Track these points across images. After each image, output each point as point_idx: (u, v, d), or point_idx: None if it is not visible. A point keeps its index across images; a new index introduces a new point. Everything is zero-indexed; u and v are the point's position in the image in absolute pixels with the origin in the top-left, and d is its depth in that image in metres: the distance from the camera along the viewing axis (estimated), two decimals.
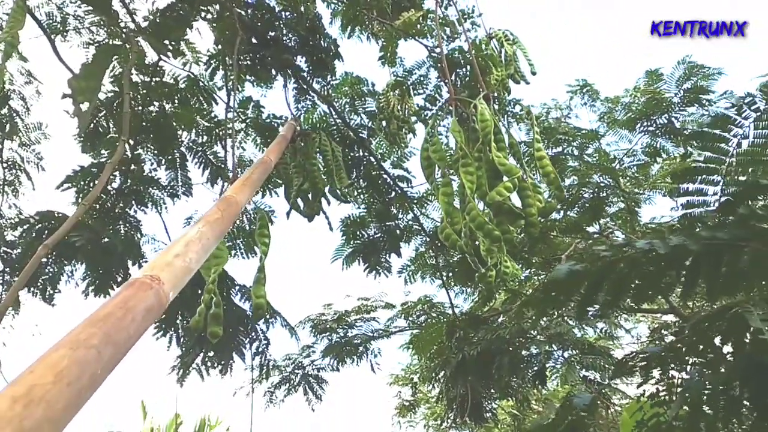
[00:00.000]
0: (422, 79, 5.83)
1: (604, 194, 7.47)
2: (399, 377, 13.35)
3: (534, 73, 5.74)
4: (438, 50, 5.56)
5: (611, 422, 7.44)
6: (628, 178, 7.91)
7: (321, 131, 4.68)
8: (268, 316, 5.73)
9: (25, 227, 5.59)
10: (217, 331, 2.87)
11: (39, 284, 5.68)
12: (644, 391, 3.40)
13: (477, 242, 3.38)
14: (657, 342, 10.96)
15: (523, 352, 6.96)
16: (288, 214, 4.04)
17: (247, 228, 5.96)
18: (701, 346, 3.25)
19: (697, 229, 2.79)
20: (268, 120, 6.22)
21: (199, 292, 5.37)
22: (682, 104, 7.41)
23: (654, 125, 7.72)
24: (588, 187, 7.35)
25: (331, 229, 4.68)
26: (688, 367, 3.29)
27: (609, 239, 8.21)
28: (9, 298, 3.49)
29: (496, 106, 5.18)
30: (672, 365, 3.34)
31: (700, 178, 3.74)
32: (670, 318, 9.57)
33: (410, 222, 7.00)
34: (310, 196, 4.20)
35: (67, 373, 0.97)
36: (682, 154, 7.25)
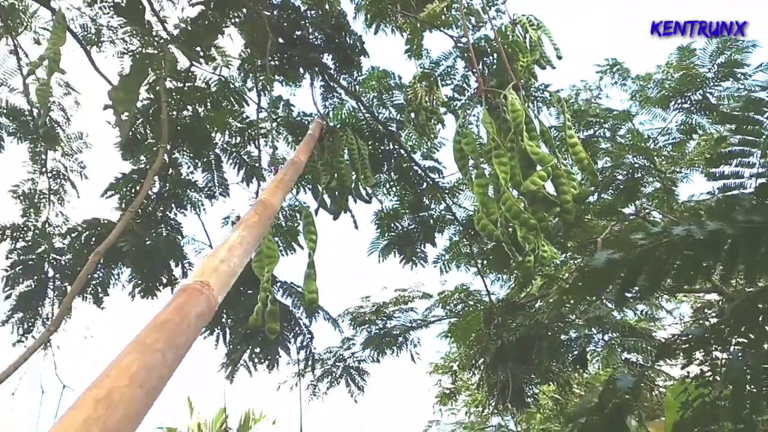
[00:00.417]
0: (449, 69, 5.86)
1: (639, 175, 7.39)
2: (438, 366, 13.43)
3: (560, 58, 5.72)
4: (464, 40, 5.58)
5: (656, 404, 7.41)
6: (663, 157, 7.80)
7: (348, 129, 4.75)
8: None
9: (73, 235, 5.80)
10: (275, 327, 2.99)
11: (90, 289, 5.90)
12: (688, 372, 3.40)
13: (511, 229, 3.42)
14: (700, 322, 10.83)
15: (563, 337, 6.96)
16: (316, 211, 4.13)
17: (284, 225, 6.09)
18: (744, 327, 3.24)
19: (734, 213, 2.79)
20: (298, 118, 6.33)
21: (241, 290, 5.54)
22: (717, 79, 7.27)
23: (688, 102, 7.59)
24: (622, 168, 7.28)
25: (356, 227, 4.73)
26: (731, 348, 3.29)
27: (645, 220, 8.13)
28: (65, 304, 3.67)
29: (524, 93, 5.18)
30: (715, 346, 3.33)
31: (735, 161, 3.70)
32: (713, 297, 9.45)
33: (443, 212, 7.04)
34: (336, 193, 4.28)
35: (138, 376, 1.07)
36: (717, 137, 7.13)
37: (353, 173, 4.25)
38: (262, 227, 2.07)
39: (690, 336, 3.29)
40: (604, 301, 7.27)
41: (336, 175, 4.09)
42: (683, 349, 3.32)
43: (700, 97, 7.54)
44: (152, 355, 1.14)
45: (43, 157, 6.80)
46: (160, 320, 1.27)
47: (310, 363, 6.27)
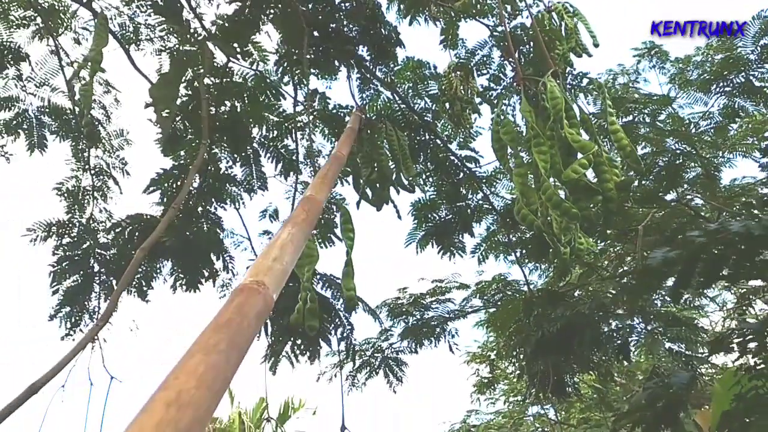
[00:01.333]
0: (485, 59, 5.81)
1: (681, 161, 7.24)
2: (476, 355, 13.41)
3: (596, 45, 5.61)
4: (500, 29, 5.52)
5: (700, 391, 7.26)
6: (704, 142, 7.62)
7: (386, 120, 4.75)
8: None
9: (117, 230, 5.94)
10: (315, 324, 3.05)
11: (134, 283, 6.03)
12: (741, 365, 3.34)
13: (549, 218, 3.38)
14: (744, 308, 10.58)
15: (604, 327, 6.88)
16: (358, 204, 4.15)
17: (321, 220, 6.13)
18: None
19: None
20: (334, 110, 6.35)
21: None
22: (760, 61, 7.07)
23: (731, 85, 7.40)
24: (663, 154, 7.14)
25: (399, 217, 4.75)
26: None
27: (688, 207, 7.96)
28: (113, 300, 3.76)
29: (562, 81, 5.10)
30: None
31: None
32: (757, 282, 9.21)
33: (480, 201, 7.00)
34: (378, 185, 4.29)
35: (205, 377, 1.09)
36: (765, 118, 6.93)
37: (393, 164, 4.25)
38: (310, 224, 2.09)
39: (745, 330, 3.23)
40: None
41: (376, 167, 4.10)
42: (737, 343, 3.26)
43: (743, 80, 7.35)
44: (217, 356, 1.16)
45: (86, 154, 6.96)
46: (222, 321, 1.29)
47: (350, 354, 6.32)
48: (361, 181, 4.16)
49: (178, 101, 5.79)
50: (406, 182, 4.29)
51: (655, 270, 2.61)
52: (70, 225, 6.45)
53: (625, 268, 8.88)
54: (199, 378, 1.08)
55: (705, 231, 2.57)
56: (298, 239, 1.92)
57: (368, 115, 5.45)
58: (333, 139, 6.50)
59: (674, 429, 4.25)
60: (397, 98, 6.33)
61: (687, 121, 7.62)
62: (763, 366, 3.16)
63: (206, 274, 6.25)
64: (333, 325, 5.87)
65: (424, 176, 6.72)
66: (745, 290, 10.18)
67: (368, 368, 8.48)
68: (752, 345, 3.18)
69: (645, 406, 3.70)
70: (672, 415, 3.68)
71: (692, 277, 2.66)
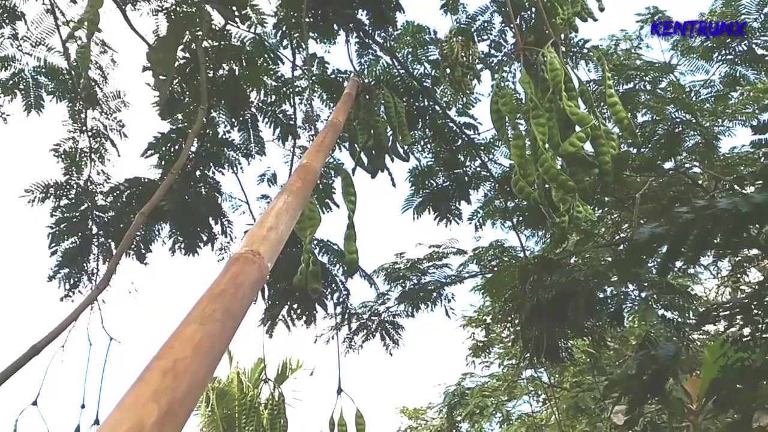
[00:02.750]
0: (486, 24, 5.74)
1: (680, 129, 7.21)
2: (472, 319, 13.57)
3: (602, 9, 5.53)
4: None
5: (691, 358, 7.39)
6: (705, 110, 7.58)
7: (384, 87, 4.71)
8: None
9: (115, 193, 5.95)
10: (317, 287, 3.09)
11: (133, 246, 6.07)
12: (728, 336, 3.40)
13: (547, 186, 3.39)
14: (738, 276, 10.67)
15: (598, 294, 6.96)
16: (353, 170, 4.15)
17: (319, 185, 6.13)
18: None
19: None
20: (332, 75, 6.30)
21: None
22: (764, 29, 6.98)
23: (733, 53, 7.32)
24: (663, 122, 7.11)
25: (394, 185, 4.73)
26: None
27: (685, 175, 7.96)
28: (113, 263, 3.80)
29: (563, 49, 5.05)
30: (756, 312, 3.31)
31: None
32: (753, 251, 9.27)
33: (478, 168, 7.00)
34: (373, 152, 4.28)
35: (201, 346, 1.11)
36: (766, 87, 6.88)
37: (389, 132, 4.24)
38: (306, 192, 2.10)
39: (731, 305, 3.28)
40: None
41: (373, 133, 4.09)
42: (725, 317, 3.31)
43: (746, 48, 7.27)
44: (212, 325, 1.18)
45: (83, 116, 6.91)
46: (217, 291, 1.31)
47: (346, 318, 6.40)
48: (357, 148, 4.15)
49: (176, 65, 5.74)
50: (401, 151, 4.28)
51: (643, 245, 2.64)
52: (68, 187, 6.46)
53: (622, 235, 8.94)
54: (195, 347, 1.10)
55: (693, 207, 2.59)
56: (294, 207, 1.93)
57: (366, 81, 5.41)
58: (331, 104, 6.46)
59: (660, 399, 4.35)
60: (396, 63, 6.27)
61: (688, 89, 7.57)
62: (749, 338, 3.22)
63: (204, 238, 6.28)
64: (329, 290, 5.94)
65: (422, 143, 6.70)
66: (739, 258, 10.26)
67: (365, 331, 8.59)
68: (739, 318, 3.23)
69: (632, 376, 3.78)
70: (658, 385, 3.76)
71: (680, 253, 2.69)
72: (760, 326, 3.20)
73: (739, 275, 10.96)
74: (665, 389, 3.83)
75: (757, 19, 6.85)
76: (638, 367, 3.67)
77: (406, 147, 4.36)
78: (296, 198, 2.00)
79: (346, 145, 5.02)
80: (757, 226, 2.74)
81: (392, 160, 4.28)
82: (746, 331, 3.28)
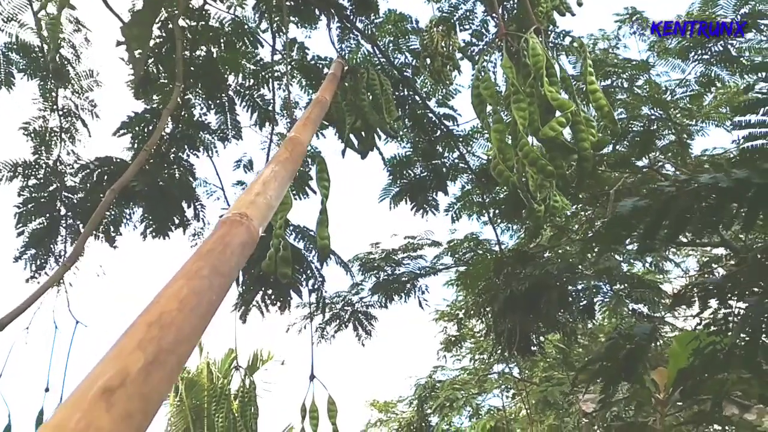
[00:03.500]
0: (468, 14, 5.73)
1: (655, 127, 7.30)
2: (444, 313, 13.62)
3: (580, 4, 5.57)
4: None
5: (658, 354, 7.51)
6: (679, 109, 7.68)
7: (369, 66, 4.66)
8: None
9: (85, 173, 5.81)
10: (287, 271, 3.04)
11: (102, 228, 5.94)
12: (701, 319, 3.44)
13: (524, 179, 3.39)
14: (706, 275, 10.87)
15: (571, 287, 7.02)
16: (343, 152, 4.11)
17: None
18: (763, 275, 3.26)
19: (761, 162, 2.76)
20: (312, 62, 6.23)
21: None
22: (739, 30, 7.09)
23: (708, 53, 7.43)
24: (638, 120, 7.19)
25: (385, 163, 4.68)
26: (748, 297, 3.31)
27: (658, 173, 8.08)
28: (81, 242, 3.69)
29: (544, 39, 5.04)
30: (730, 295, 3.36)
31: (762, 110, 3.64)
32: (720, 251, 9.46)
33: (456, 160, 6.99)
34: (362, 133, 4.23)
35: (188, 300, 1.07)
36: (744, 85, 6.98)
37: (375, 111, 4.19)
38: (294, 163, 2.06)
39: (707, 284, 3.31)
40: (612, 253, 7.31)
41: (360, 114, 4.04)
42: (699, 297, 3.35)
43: (721, 48, 7.37)
44: (199, 281, 1.14)
45: (54, 94, 6.73)
46: (203, 251, 1.28)
47: (320, 306, 6.35)
48: (346, 129, 4.10)
49: (152, 43, 5.62)
50: (388, 127, 4.24)
51: (624, 219, 2.65)
52: (37, 166, 6.29)
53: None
54: (182, 301, 1.06)
55: (675, 181, 2.61)
56: (281, 176, 1.88)
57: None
58: (310, 91, 6.40)
59: (634, 381, 4.39)
60: (377, 52, 6.23)
61: (664, 88, 7.67)
62: (722, 322, 3.26)
63: (177, 221, 6.17)
64: (305, 277, 5.88)
65: (401, 132, 6.67)
66: (708, 258, 10.46)
67: (338, 321, 8.56)
68: (713, 302, 3.27)
69: (605, 357, 3.81)
70: (633, 365, 3.80)
71: (660, 229, 2.71)
72: (733, 309, 3.24)
73: (707, 275, 11.16)
74: (639, 371, 3.87)
75: (734, 20, 6.95)
76: (613, 347, 3.70)
77: (392, 122, 4.32)
78: (283, 167, 1.96)
79: (326, 132, 4.98)
80: (735, 205, 2.76)
81: (379, 137, 4.24)
82: (720, 315, 3.33)
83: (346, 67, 4.03)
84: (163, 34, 5.61)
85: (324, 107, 2.83)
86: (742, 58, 7.16)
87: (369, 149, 4.11)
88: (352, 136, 4.07)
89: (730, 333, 3.22)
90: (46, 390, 5.23)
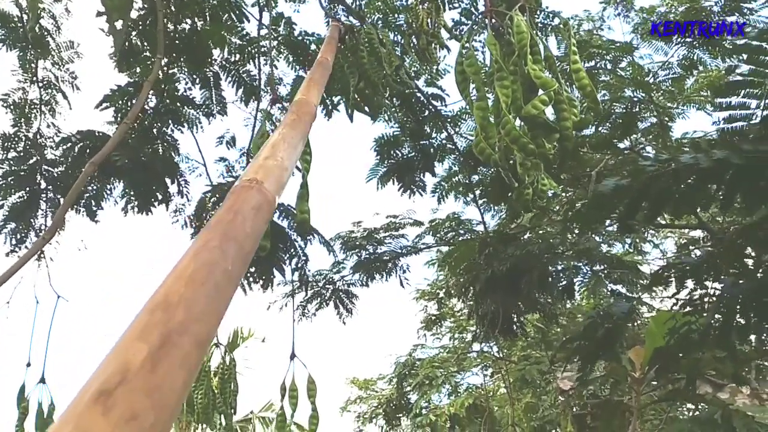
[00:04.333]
0: None
1: (637, 109, 7.36)
2: (425, 292, 13.71)
3: None
4: None
5: (635, 334, 7.66)
6: (662, 92, 7.75)
7: (366, 23, 4.59)
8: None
9: (66, 146, 5.72)
10: (265, 244, 3.02)
11: (83, 202, 5.86)
12: (677, 299, 3.53)
13: (511, 161, 3.41)
14: (683, 257, 11.06)
15: (552, 268, 7.10)
16: (351, 116, 4.08)
17: None
18: (738, 256, 3.34)
19: (740, 143, 2.81)
20: (299, 37, 6.17)
21: None
22: (723, 13, 7.15)
23: (692, 36, 7.48)
24: (620, 102, 7.24)
25: (396, 121, 4.48)
26: (724, 277, 3.40)
27: (639, 155, 8.16)
28: (60, 214, 3.65)
29: (529, 18, 5.03)
30: (706, 276, 3.44)
31: (743, 91, 3.68)
32: (697, 233, 9.63)
33: (444, 141, 6.98)
34: (367, 92, 4.20)
35: (195, 275, 1.04)
36: (726, 67, 7.05)
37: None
38: (303, 124, 2.01)
39: (684, 264, 3.38)
40: (592, 234, 7.41)
41: (362, 73, 4.00)
42: (676, 278, 3.42)
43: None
44: (208, 252, 1.12)
45: (34, 65, 6.59)
46: (212, 223, 1.25)
47: (302, 284, 6.35)
48: (351, 90, 4.07)
49: (134, 14, 5.51)
50: (391, 80, 4.22)
51: (606, 198, 2.69)
52: (16, 139, 6.18)
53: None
54: (189, 277, 1.03)
55: (657, 159, 2.65)
56: (290, 137, 1.85)
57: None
58: (297, 67, 6.33)
59: (611, 360, 4.48)
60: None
61: (647, 71, 7.72)
62: (698, 302, 3.34)
63: (159, 197, 6.12)
64: (288, 255, 5.87)
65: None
66: (685, 241, 10.65)
67: (319, 299, 8.58)
68: (690, 283, 3.35)
69: (583, 336, 3.88)
70: (611, 343, 3.88)
71: (640, 209, 2.75)
72: (709, 290, 3.32)
73: (684, 257, 11.35)
74: (616, 350, 3.96)
75: (717, 3, 7.00)
76: (591, 326, 3.77)
77: (395, 74, 4.30)
78: (292, 129, 1.92)
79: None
80: (714, 186, 2.82)
81: (386, 90, 4.21)
82: (696, 295, 3.41)
83: (343, 29, 3.98)
84: (146, 6, 5.50)
85: (327, 68, 2.79)
86: (724, 42, 7.23)
87: (379, 109, 4.08)
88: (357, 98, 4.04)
89: (705, 313, 3.30)
90: (28, 365, 5.20)
